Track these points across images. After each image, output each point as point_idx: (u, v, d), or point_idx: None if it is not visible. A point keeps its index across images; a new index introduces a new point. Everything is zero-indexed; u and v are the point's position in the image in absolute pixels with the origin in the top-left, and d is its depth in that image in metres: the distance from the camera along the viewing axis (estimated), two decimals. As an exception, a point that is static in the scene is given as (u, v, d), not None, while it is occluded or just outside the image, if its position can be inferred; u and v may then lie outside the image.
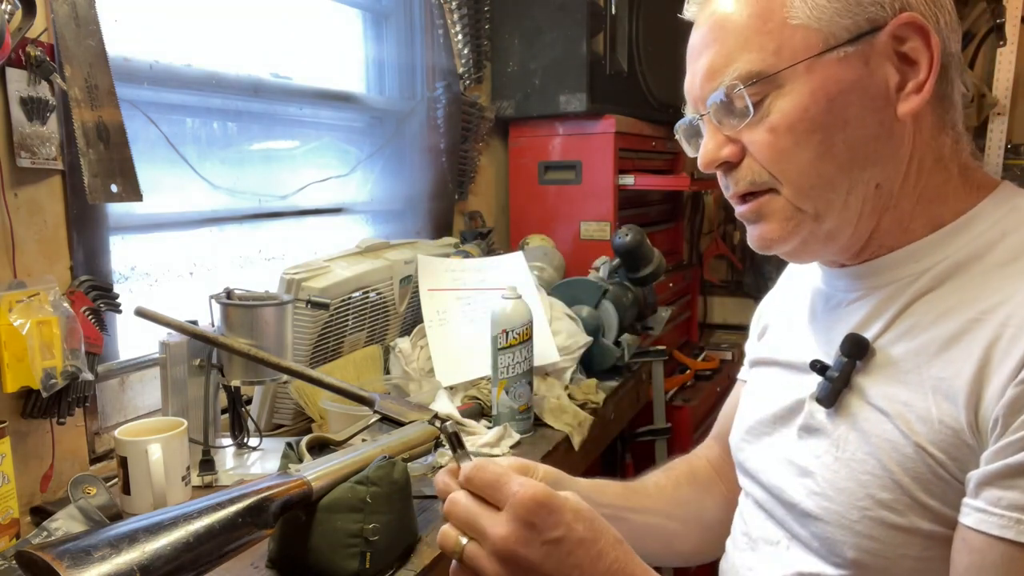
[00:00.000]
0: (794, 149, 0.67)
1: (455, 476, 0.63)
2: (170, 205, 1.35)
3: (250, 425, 1.20)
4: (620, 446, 2.14)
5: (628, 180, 2.06)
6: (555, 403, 1.35)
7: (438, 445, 1.07)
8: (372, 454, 0.87)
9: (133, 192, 1.11)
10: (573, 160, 2.06)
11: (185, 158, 1.34)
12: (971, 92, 2.59)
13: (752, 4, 0.67)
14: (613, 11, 1.99)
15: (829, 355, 0.72)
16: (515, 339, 1.24)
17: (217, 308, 1.13)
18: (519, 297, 1.26)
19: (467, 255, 1.70)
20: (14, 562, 0.72)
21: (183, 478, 1.02)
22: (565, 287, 1.67)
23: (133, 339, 1.23)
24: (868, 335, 0.69)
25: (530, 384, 1.28)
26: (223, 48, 1.44)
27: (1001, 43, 2.65)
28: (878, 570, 0.65)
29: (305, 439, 0.96)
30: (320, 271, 1.32)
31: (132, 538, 0.62)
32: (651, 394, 1.98)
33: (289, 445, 0.93)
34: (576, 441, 1.31)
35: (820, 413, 0.71)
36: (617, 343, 1.61)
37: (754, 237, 0.73)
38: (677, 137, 0.80)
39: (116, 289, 1.15)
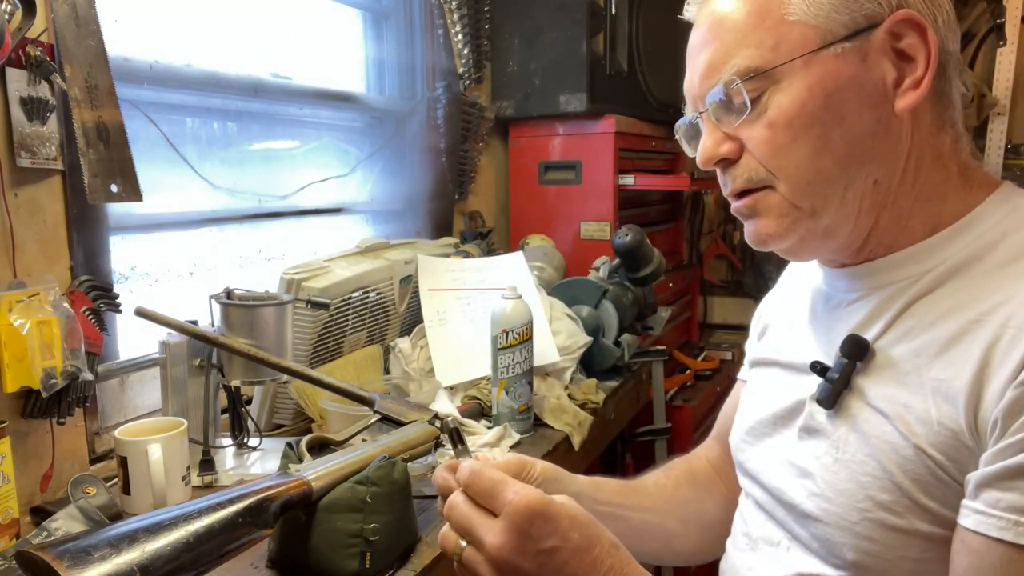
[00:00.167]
0: (792, 144, 0.67)
1: (455, 472, 0.63)
2: (170, 205, 1.35)
3: (250, 425, 1.20)
4: (620, 446, 2.14)
5: (628, 180, 2.06)
6: (555, 403, 1.35)
7: (438, 445, 1.07)
8: (372, 454, 0.87)
9: (133, 192, 1.11)
10: (573, 160, 2.06)
11: (185, 158, 1.34)
12: (971, 92, 2.59)
13: (750, 2, 0.68)
14: (613, 11, 1.99)
15: (829, 356, 0.72)
16: (515, 339, 1.24)
17: (217, 308, 1.13)
18: (519, 297, 1.26)
19: (467, 255, 1.70)
20: (14, 562, 0.72)
21: (183, 478, 1.02)
22: (565, 287, 1.67)
23: (133, 339, 1.23)
24: (868, 336, 0.69)
25: (530, 384, 1.28)
26: (223, 48, 1.44)
27: (1001, 43, 2.65)
28: (877, 571, 0.65)
29: (305, 439, 0.96)
30: (320, 271, 1.32)
31: (132, 538, 0.62)
32: (651, 394, 1.99)
33: (289, 445, 0.93)
34: (576, 441, 1.31)
35: (820, 414, 0.71)
36: (617, 343, 1.61)
37: (750, 233, 0.73)
38: (677, 137, 0.81)
39: (116, 289, 1.15)
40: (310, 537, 0.81)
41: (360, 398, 1.10)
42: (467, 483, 0.61)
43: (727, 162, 0.72)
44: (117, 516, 0.96)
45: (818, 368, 0.71)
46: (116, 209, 1.20)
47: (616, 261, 1.73)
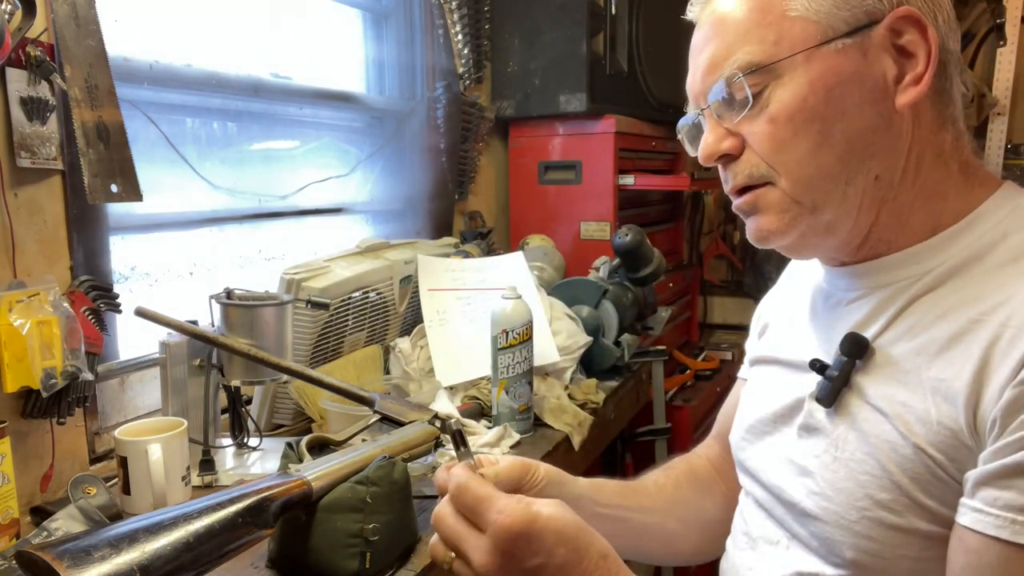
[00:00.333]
0: (793, 139, 0.67)
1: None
2: (170, 205, 1.35)
3: (250, 425, 1.20)
4: (620, 446, 2.14)
5: (628, 180, 2.06)
6: (555, 403, 1.35)
7: (438, 445, 1.07)
8: (372, 454, 0.87)
9: (133, 192, 1.11)
10: (573, 160, 2.06)
11: (185, 158, 1.34)
12: (971, 92, 2.59)
13: (752, 0, 0.68)
14: (613, 11, 1.99)
15: (829, 354, 0.72)
16: (515, 339, 1.24)
17: (217, 308, 1.13)
18: (519, 297, 1.26)
19: (467, 255, 1.70)
20: (14, 562, 0.72)
21: (183, 478, 1.02)
22: (565, 287, 1.67)
23: (133, 339, 1.23)
24: (868, 334, 0.69)
25: (530, 384, 1.28)
26: (223, 48, 1.44)
27: (1001, 43, 2.65)
28: (876, 570, 0.65)
29: (305, 439, 0.96)
30: (320, 271, 1.32)
31: (132, 538, 0.62)
32: (651, 394, 1.99)
33: (289, 445, 0.93)
34: (576, 441, 1.31)
35: (820, 412, 0.71)
36: (617, 343, 1.61)
37: (751, 230, 0.73)
38: (679, 137, 0.81)
39: (116, 289, 1.15)
40: (310, 537, 0.81)
41: (360, 398, 1.10)
42: (453, 496, 0.61)
43: (729, 158, 0.72)
44: (117, 516, 0.96)
45: (817, 366, 0.71)
46: (116, 209, 1.20)
47: (616, 261, 1.73)
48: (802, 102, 0.66)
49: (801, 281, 0.85)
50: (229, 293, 1.15)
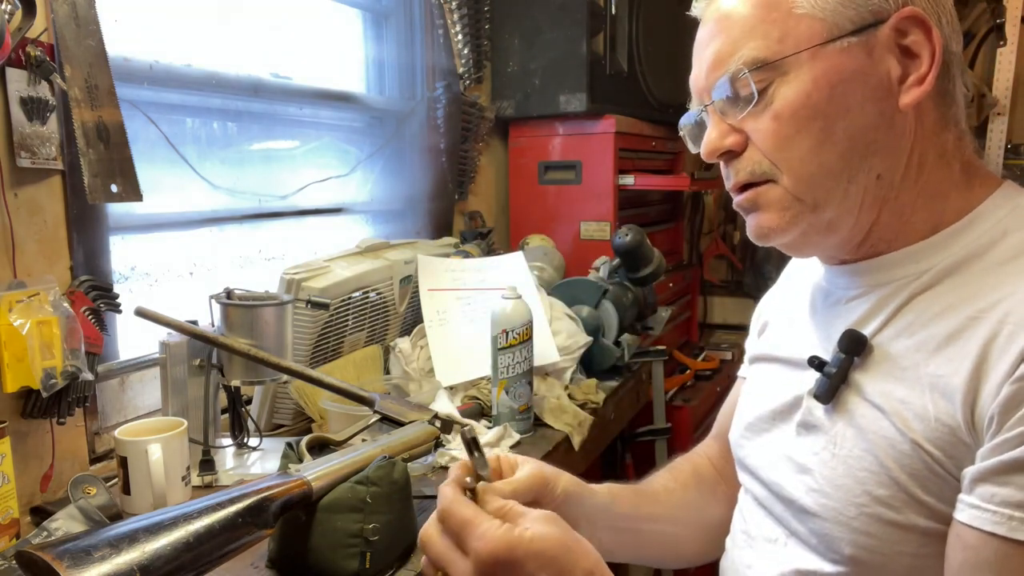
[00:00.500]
0: (796, 136, 0.67)
1: (467, 472, 0.63)
2: (170, 205, 1.35)
3: (250, 425, 1.20)
4: (620, 446, 2.14)
5: (628, 180, 2.06)
6: (555, 403, 1.35)
7: (438, 445, 1.07)
8: (372, 454, 0.87)
9: (133, 192, 1.11)
10: (573, 160, 2.06)
11: (185, 158, 1.34)
12: (971, 92, 2.59)
13: None
14: (613, 11, 1.99)
15: (828, 352, 0.72)
16: (515, 339, 1.24)
17: (217, 308, 1.13)
18: (519, 297, 1.26)
19: (467, 255, 1.70)
20: (14, 562, 0.72)
21: (183, 478, 1.02)
22: (565, 287, 1.67)
23: (133, 339, 1.23)
24: (867, 332, 0.69)
25: (530, 384, 1.28)
26: (223, 48, 1.44)
27: (1001, 43, 2.65)
28: (875, 566, 0.66)
29: (305, 439, 0.96)
30: (320, 271, 1.32)
31: (132, 538, 0.62)
32: (651, 394, 1.99)
33: (289, 445, 0.93)
34: (576, 441, 1.31)
35: (818, 409, 0.72)
36: (617, 343, 1.61)
37: (752, 227, 0.73)
38: (681, 134, 0.80)
39: (116, 289, 1.15)
40: (310, 537, 0.81)
41: (360, 398, 1.10)
42: (441, 517, 0.61)
43: (731, 155, 0.72)
44: (117, 516, 0.96)
45: (816, 363, 0.71)
46: (116, 209, 1.20)
47: (616, 261, 1.73)
48: (806, 99, 0.66)
49: (801, 280, 0.85)
50: (229, 293, 1.15)
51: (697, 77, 0.74)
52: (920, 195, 0.69)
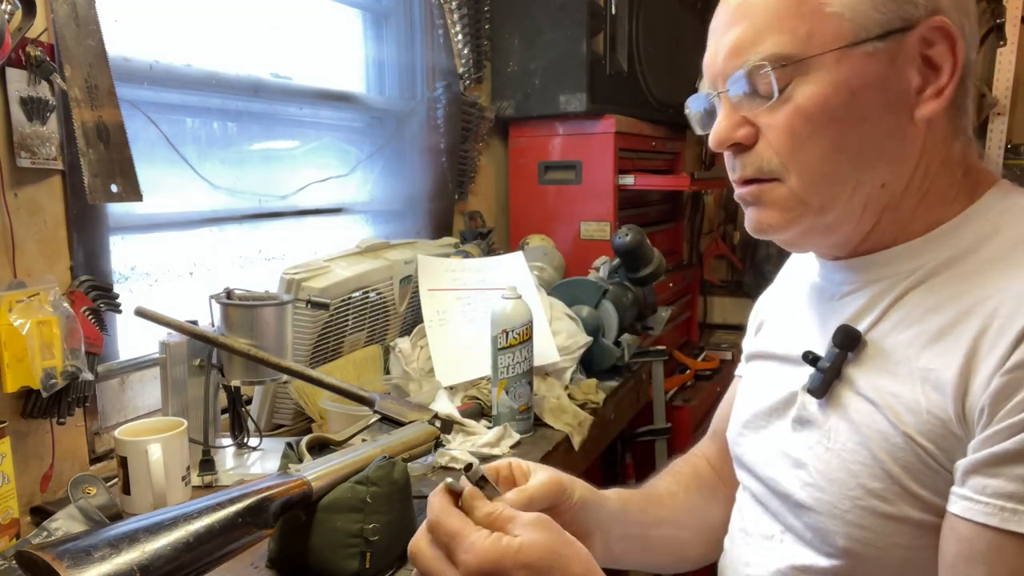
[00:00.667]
0: (810, 139, 0.66)
1: (448, 491, 0.62)
2: (170, 205, 1.35)
3: (250, 425, 1.20)
4: (620, 446, 2.14)
5: (628, 180, 2.06)
6: (555, 403, 1.35)
7: (438, 445, 1.07)
8: (372, 454, 0.87)
9: (133, 192, 1.11)
10: (573, 160, 2.06)
11: (185, 158, 1.34)
12: (972, 93, 2.59)
13: None
14: (613, 11, 1.99)
15: (823, 347, 0.72)
16: (515, 339, 1.24)
17: (217, 308, 1.13)
18: (519, 297, 1.26)
19: (467, 255, 1.70)
20: (14, 562, 0.72)
21: (183, 478, 1.02)
22: (565, 287, 1.67)
23: (133, 339, 1.23)
24: (860, 327, 0.70)
25: (530, 384, 1.28)
26: (223, 48, 1.44)
27: (1001, 43, 2.65)
28: (869, 559, 0.66)
29: (305, 439, 0.96)
30: (320, 271, 1.32)
31: (132, 538, 0.62)
32: (651, 394, 1.99)
33: (289, 445, 0.93)
34: (576, 441, 1.31)
35: (812, 404, 0.72)
36: (617, 343, 1.61)
37: (752, 221, 0.73)
38: (687, 112, 0.78)
39: (116, 289, 1.15)
40: (310, 537, 0.81)
41: (360, 398, 1.10)
42: (429, 528, 0.60)
43: (740, 147, 0.71)
44: (117, 516, 0.96)
45: (810, 358, 0.72)
46: (116, 209, 1.20)
47: (616, 261, 1.73)
48: (825, 103, 0.65)
49: (798, 277, 0.86)
50: (229, 293, 1.15)
51: (713, 60, 0.72)
52: (922, 201, 0.69)
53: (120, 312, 1.15)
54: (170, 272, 1.35)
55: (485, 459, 1.16)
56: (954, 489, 0.60)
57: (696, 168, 2.98)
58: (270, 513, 0.73)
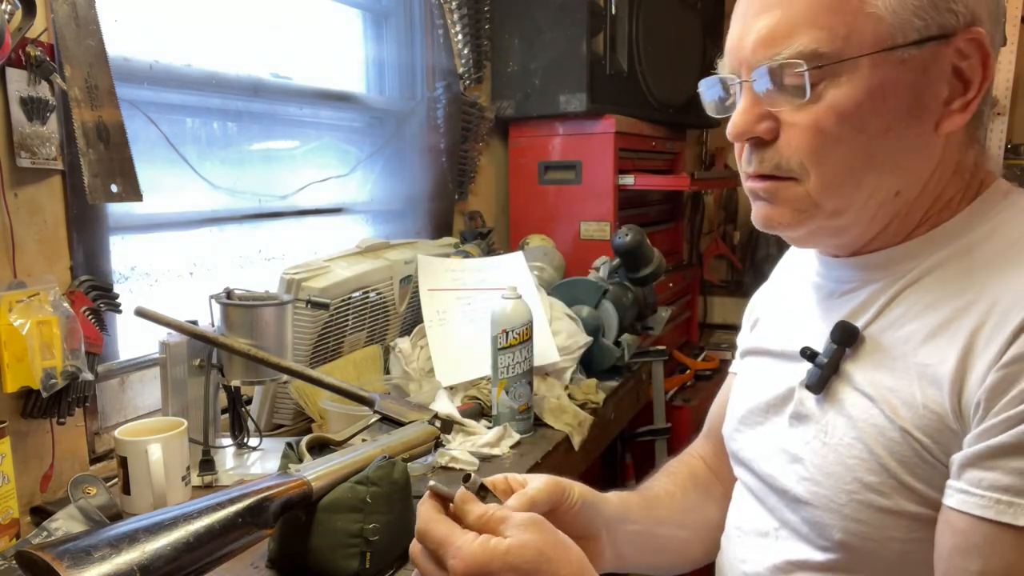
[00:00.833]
0: (836, 143, 0.65)
1: (437, 500, 0.62)
2: (170, 205, 1.35)
3: (250, 425, 1.20)
4: (620, 446, 2.14)
5: (628, 180, 2.06)
6: (555, 403, 1.35)
7: (438, 445, 1.07)
8: (372, 454, 0.87)
9: (133, 192, 1.11)
10: (573, 160, 2.06)
11: (185, 158, 1.34)
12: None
13: None
14: (613, 11, 1.99)
15: (821, 344, 0.72)
16: (515, 339, 1.24)
17: (217, 308, 1.13)
18: (519, 297, 1.26)
19: (467, 255, 1.70)
20: (14, 562, 0.72)
21: (183, 478, 1.02)
22: (565, 287, 1.67)
23: (133, 339, 1.23)
24: (859, 324, 0.70)
25: (530, 384, 1.28)
26: (223, 48, 1.44)
27: (1001, 43, 2.65)
28: (865, 552, 0.66)
29: (305, 439, 0.96)
30: (320, 271, 1.32)
31: (132, 538, 0.62)
32: (651, 394, 1.99)
33: (289, 445, 0.93)
34: (576, 441, 1.31)
35: (809, 400, 0.72)
36: (617, 343, 1.61)
37: (760, 216, 0.72)
38: (700, 91, 0.76)
39: (116, 289, 1.15)
40: (310, 537, 0.81)
41: (360, 398, 1.10)
42: (421, 536, 0.61)
43: (759, 141, 0.69)
44: (117, 516, 0.96)
45: (808, 354, 0.72)
46: (116, 209, 1.20)
47: (616, 261, 1.73)
48: (856, 109, 0.63)
49: (794, 273, 0.86)
50: (229, 293, 1.15)
51: (740, 45, 0.68)
52: (932, 207, 0.69)
53: (120, 312, 1.15)
54: (170, 272, 1.35)
55: (485, 459, 1.16)
56: (950, 482, 0.60)
57: (696, 168, 2.98)
58: (270, 513, 0.73)
